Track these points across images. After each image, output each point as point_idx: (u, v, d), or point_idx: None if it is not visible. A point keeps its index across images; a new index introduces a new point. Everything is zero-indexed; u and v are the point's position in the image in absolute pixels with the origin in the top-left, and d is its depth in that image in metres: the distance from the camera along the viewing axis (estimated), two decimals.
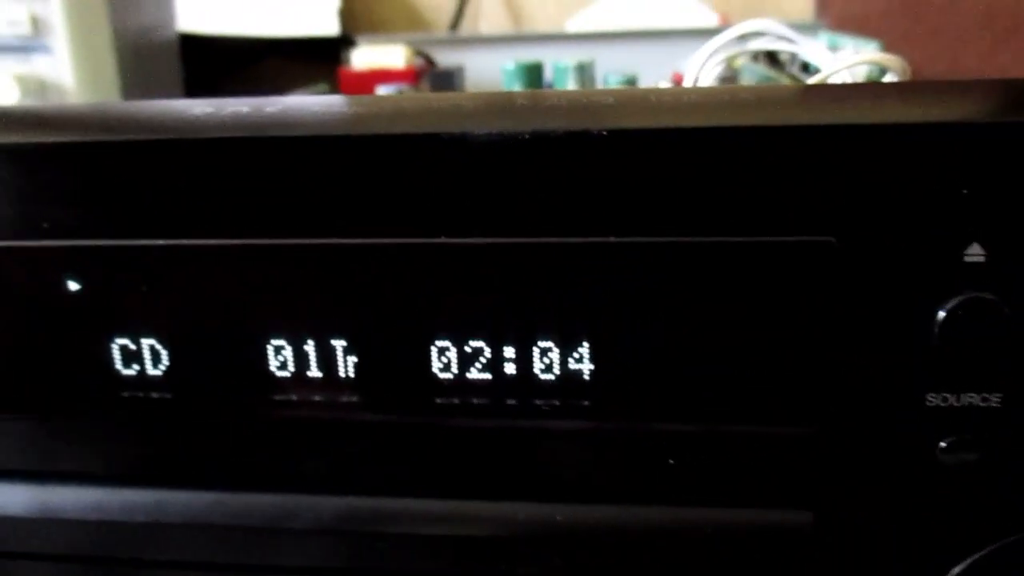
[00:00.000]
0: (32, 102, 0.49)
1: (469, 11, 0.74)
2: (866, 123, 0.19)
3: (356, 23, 0.73)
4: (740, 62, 0.42)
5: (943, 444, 0.21)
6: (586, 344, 0.22)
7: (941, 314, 0.20)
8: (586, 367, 0.22)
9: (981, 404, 0.21)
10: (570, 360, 0.22)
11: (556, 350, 0.22)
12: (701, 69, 0.37)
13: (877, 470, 0.22)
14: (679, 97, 0.22)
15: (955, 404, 0.21)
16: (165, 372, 0.23)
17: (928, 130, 0.19)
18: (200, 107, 0.23)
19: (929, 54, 0.71)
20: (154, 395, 0.24)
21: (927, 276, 0.20)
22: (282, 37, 0.70)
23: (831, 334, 0.21)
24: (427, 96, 0.24)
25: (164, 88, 0.60)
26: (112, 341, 0.23)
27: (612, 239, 0.21)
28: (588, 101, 0.23)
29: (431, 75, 0.55)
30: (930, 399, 0.21)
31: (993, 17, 0.70)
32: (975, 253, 0.20)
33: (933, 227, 0.20)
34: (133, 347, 0.23)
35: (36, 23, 0.49)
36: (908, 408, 0.21)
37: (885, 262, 0.20)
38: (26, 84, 0.49)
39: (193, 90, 0.64)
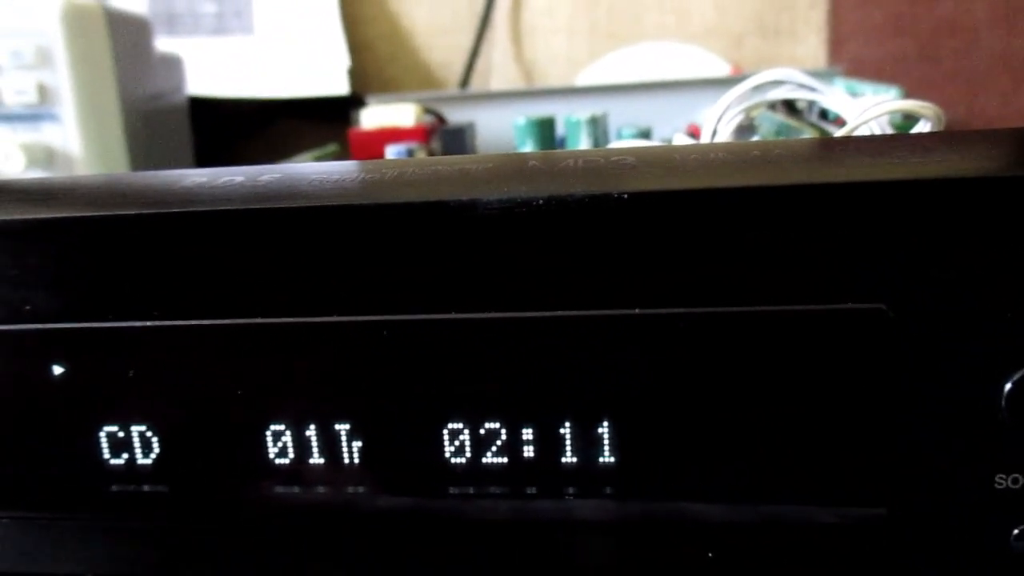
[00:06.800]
0: (39, 171, 0.49)
1: (479, 68, 0.73)
2: (917, 179, 0.17)
3: (367, 83, 0.73)
4: (757, 111, 0.41)
5: (1016, 531, 0.19)
6: (612, 424, 0.20)
7: (1008, 386, 0.18)
8: (613, 449, 0.20)
9: None
10: (595, 442, 0.20)
11: (579, 431, 0.20)
12: (719, 121, 0.35)
13: (942, 562, 0.20)
14: (706, 154, 0.21)
15: None
16: (156, 462, 0.22)
17: (986, 185, 0.17)
18: (193, 178, 0.22)
19: (947, 98, 0.70)
20: (145, 488, 0.22)
21: (990, 344, 0.18)
22: (293, 98, 0.70)
23: (882, 410, 0.19)
24: (433, 160, 0.22)
25: (174, 154, 0.60)
26: (100, 429, 0.22)
27: (637, 311, 0.19)
28: (606, 162, 0.21)
29: (441, 132, 0.54)
30: (999, 481, 0.19)
31: (1011, 58, 0.69)
32: None
33: (995, 290, 0.18)
34: (122, 435, 0.22)
35: (43, 92, 0.48)
36: (975, 492, 0.19)
37: (942, 330, 0.18)
38: (32, 153, 0.48)
39: (204, 155, 0.64)
